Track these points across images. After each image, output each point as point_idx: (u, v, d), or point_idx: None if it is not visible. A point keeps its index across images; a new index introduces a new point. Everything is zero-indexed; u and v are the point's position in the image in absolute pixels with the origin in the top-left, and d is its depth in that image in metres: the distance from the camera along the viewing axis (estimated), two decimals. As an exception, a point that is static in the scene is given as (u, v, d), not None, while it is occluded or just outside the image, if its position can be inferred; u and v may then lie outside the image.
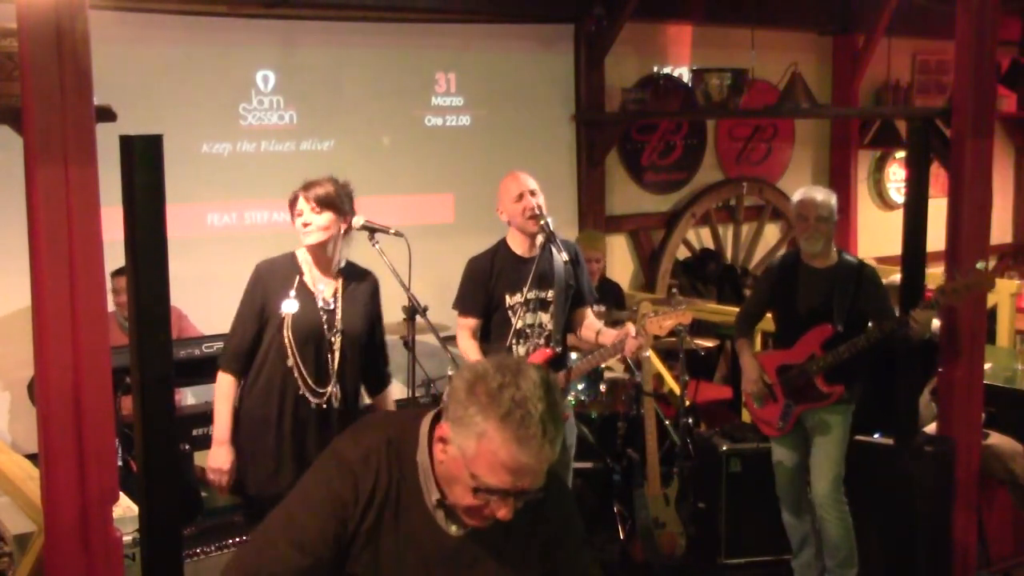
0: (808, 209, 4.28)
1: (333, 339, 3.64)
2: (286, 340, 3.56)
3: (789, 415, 4.38)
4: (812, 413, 4.35)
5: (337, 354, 3.63)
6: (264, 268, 3.64)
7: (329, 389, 3.61)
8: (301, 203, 3.61)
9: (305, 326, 3.58)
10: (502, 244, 4.20)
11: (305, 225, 3.60)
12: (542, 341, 4.16)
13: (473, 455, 1.83)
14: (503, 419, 1.81)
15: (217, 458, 3.60)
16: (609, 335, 4.15)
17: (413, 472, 1.99)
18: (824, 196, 4.30)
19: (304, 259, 3.65)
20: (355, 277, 3.75)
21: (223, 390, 3.61)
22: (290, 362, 3.56)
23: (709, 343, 5.97)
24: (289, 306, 3.56)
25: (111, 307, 4.66)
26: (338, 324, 3.65)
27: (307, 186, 3.62)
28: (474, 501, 1.88)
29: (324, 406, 3.61)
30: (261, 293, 3.59)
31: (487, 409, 1.82)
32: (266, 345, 3.59)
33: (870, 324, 4.24)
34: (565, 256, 4.05)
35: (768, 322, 4.67)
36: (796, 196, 4.40)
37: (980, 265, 4.16)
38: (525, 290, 4.11)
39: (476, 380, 1.86)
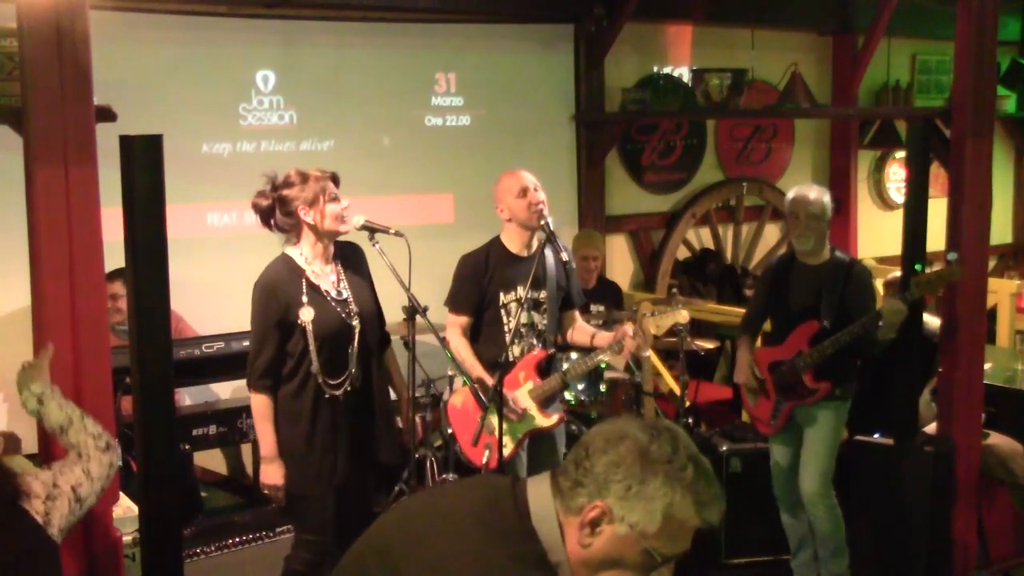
0: (799, 207, 4.29)
1: (355, 326, 3.64)
2: (311, 347, 3.53)
3: (780, 411, 4.40)
4: (803, 410, 4.36)
5: (357, 341, 3.63)
6: (269, 282, 3.55)
7: (344, 378, 3.60)
8: (332, 187, 3.60)
9: (327, 327, 3.57)
10: (496, 242, 4.20)
11: (345, 209, 3.60)
12: (535, 341, 4.16)
13: (658, 528, 1.67)
14: (693, 484, 1.67)
15: (271, 475, 3.57)
16: (604, 337, 4.15)
17: None
18: (816, 194, 4.30)
19: (302, 258, 3.61)
20: (346, 254, 3.74)
21: (261, 410, 3.55)
22: (314, 368, 3.54)
23: (709, 344, 5.98)
24: (307, 314, 3.53)
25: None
26: (354, 310, 3.65)
27: (330, 174, 3.63)
28: None
29: (346, 393, 3.61)
30: (275, 308, 3.52)
31: (672, 477, 1.66)
32: (288, 354, 3.56)
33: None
34: (566, 256, 4.04)
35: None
36: (789, 195, 4.42)
37: (952, 257, 4.16)
38: (520, 289, 4.11)
39: (639, 450, 1.67)
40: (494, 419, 3.96)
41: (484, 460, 4.00)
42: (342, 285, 3.67)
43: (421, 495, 1.87)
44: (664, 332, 4.12)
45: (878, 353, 4.26)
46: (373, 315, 3.74)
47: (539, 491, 1.75)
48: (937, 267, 4.64)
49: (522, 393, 4.08)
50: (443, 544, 1.70)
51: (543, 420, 4.12)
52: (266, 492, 3.60)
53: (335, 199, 3.59)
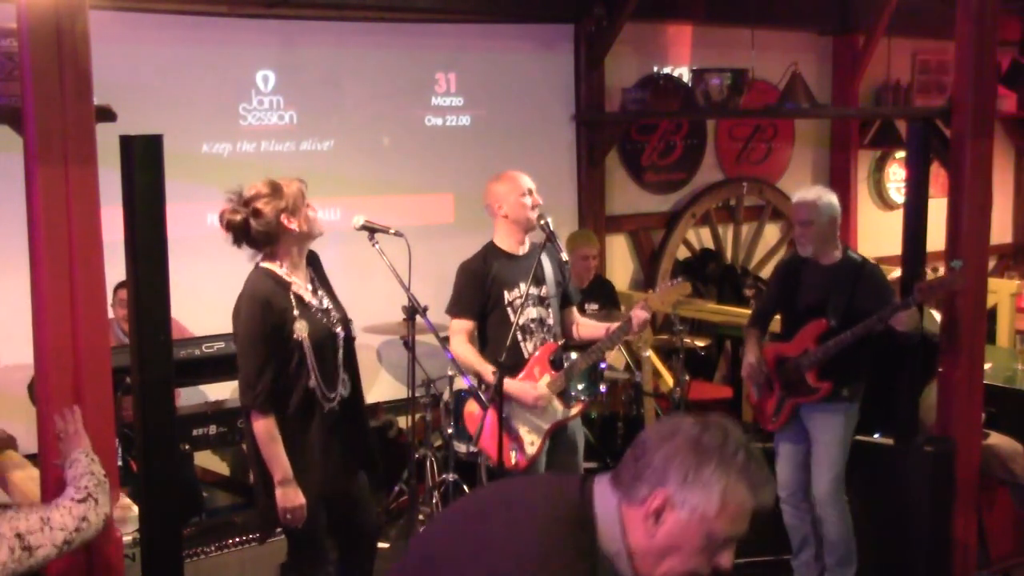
0: (792, 213, 4.36)
1: (338, 333, 3.59)
2: (309, 362, 3.46)
3: (782, 407, 4.41)
4: (812, 411, 4.37)
5: (342, 348, 3.59)
6: (261, 295, 3.44)
7: (339, 387, 3.57)
8: (308, 196, 3.59)
9: (319, 339, 3.50)
10: (490, 245, 4.26)
11: (315, 212, 3.58)
12: (546, 336, 4.20)
13: (716, 512, 1.78)
14: (744, 469, 1.78)
15: (291, 498, 3.43)
16: (615, 325, 4.24)
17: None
18: (812, 196, 4.33)
19: (283, 270, 3.52)
20: (310, 260, 3.67)
21: (270, 432, 3.42)
22: (312, 383, 3.47)
23: (701, 342, 5.98)
24: (302, 328, 3.45)
25: (110, 314, 4.64)
26: (336, 317, 3.60)
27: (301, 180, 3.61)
28: (698, 562, 1.82)
29: (338, 405, 3.57)
30: (271, 322, 3.43)
31: (726, 463, 1.77)
32: (284, 369, 3.46)
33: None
34: (565, 255, 4.09)
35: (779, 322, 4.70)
36: (794, 198, 4.47)
37: (956, 264, 4.17)
38: (523, 286, 4.15)
39: (693, 439, 1.79)
40: (524, 413, 4.09)
41: (513, 460, 4.08)
42: (319, 293, 3.61)
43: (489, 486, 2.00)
44: (671, 304, 4.18)
45: (915, 343, 4.28)
46: (347, 319, 3.68)
47: (602, 485, 1.86)
48: (941, 270, 4.65)
49: (541, 387, 4.13)
50: (498, 526, 1.84)
51: (565, 411, 4.21)
52: (289, 517, 3.45)
53: (309, 206, 3.54)
